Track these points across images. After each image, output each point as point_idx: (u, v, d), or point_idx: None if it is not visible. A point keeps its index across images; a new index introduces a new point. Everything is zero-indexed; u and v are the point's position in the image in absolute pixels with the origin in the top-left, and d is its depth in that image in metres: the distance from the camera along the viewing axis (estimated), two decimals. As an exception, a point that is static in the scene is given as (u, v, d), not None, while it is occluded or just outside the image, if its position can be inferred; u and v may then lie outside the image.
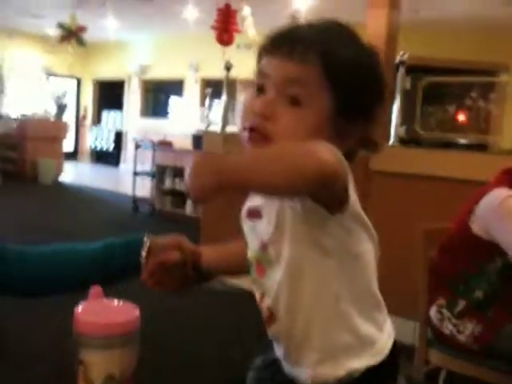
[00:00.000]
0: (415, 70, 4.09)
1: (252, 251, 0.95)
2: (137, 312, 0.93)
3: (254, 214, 0.92)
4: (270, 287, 0.92)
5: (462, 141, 7.36)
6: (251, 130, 0.85)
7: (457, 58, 8.27)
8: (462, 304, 2.00)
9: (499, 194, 1.92)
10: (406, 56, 3.48)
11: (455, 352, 2.03)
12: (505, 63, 8.66)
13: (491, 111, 8.28)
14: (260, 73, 0.89)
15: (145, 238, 1.05)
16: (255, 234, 0.92)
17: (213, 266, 1.08)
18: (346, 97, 0.85)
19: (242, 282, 4.05)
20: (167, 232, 1.10)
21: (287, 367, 0.97)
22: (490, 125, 8.40)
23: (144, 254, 1.03)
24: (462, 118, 8.46)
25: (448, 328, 2.02)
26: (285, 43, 0.86)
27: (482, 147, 7.22)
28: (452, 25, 8.05)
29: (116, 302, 0.96)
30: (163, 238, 1.07)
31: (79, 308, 0.91)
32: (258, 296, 0.97)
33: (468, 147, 6.27)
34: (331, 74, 0.84)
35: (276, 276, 0.90)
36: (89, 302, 0.94)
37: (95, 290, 0.95)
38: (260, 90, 0.88)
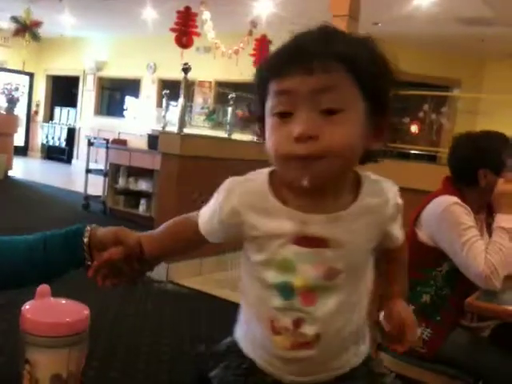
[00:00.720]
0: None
1: (303, 279, 0.89)
2: (86, 312, 0.91)
3: (315, 242, 0.88)
4: (320, 314, 0.89)
5: (414, 151, 7.58)
6: (304, 158, 0.80)
7: (413, 72, 8.49)
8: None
9: (443, 201, 1.96)
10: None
11: (404, 356, 2.03)
12: (457, 79, 8.96)
13: (443, 124, 8.53)
14: (278, 95, 0.83)
15: (86, 227, 1.04)
16: (315, 261, 0.88)
17: (155, 254, 1.05)
18: (374, 91, 0.83)
19: (193, 283, 4.04)
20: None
21: (292, 379, 0.94)
22: (441, 137, 8.66)
23: (85, 242, 1.02)
24: (415, 129, 8.68)
25: (397, 332, 2.04)
26: (300, 63, 0.80)
27: (431, 158, 7.44)
28: (410, 40, 8.23)
29: (64, 301, 0.95)
30: (105, 229, 1.05)
31: (27, 306, 0.89)
32: (285, 322, 0.90)
33: (419, 158, 6.42)
34: (357, 74, 0.81)
35: (332, 302, 0.90)
36: (36, 301, 0.92)
37: (42, 288, 0.93)
38: (285, 116, 0.82)
